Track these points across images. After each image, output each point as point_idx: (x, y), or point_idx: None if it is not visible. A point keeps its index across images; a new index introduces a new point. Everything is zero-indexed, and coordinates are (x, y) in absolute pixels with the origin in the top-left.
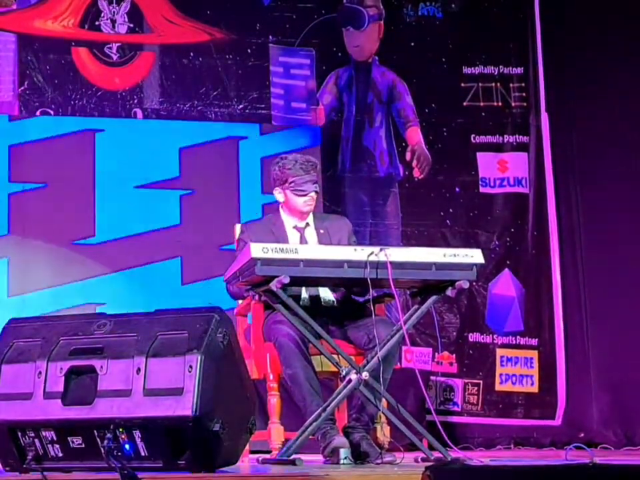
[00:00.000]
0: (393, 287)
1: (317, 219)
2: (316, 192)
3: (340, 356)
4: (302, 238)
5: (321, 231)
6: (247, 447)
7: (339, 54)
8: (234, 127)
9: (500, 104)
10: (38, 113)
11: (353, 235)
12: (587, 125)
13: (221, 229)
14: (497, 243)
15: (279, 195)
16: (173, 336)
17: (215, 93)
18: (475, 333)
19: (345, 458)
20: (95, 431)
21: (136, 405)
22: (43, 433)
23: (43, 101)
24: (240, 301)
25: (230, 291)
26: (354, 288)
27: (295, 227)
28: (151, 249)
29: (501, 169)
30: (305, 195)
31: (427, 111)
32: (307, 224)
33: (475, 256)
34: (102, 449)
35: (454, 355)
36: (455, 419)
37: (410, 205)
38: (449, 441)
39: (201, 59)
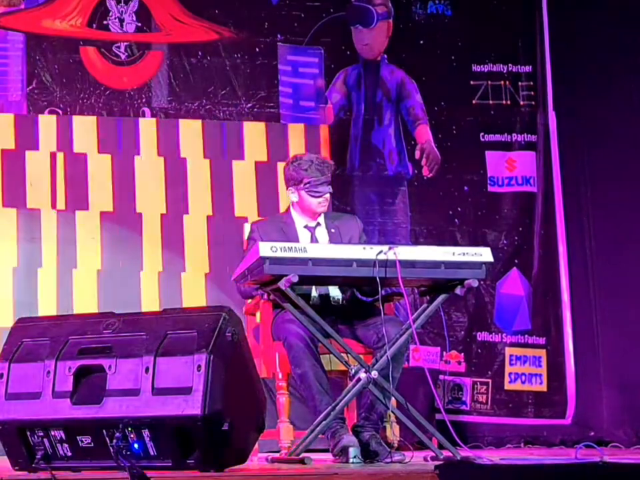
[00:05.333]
0: (402, 285)
1: (327, 218)
2: (330, 193)
3: (349, 355)
4: (313, 237)
5: (332, 230)
6: (256, 445)
7: (348, 52)
8: None
9: (509, 102)
10: (46, 112)
11: (364, 234)
12: (595, 124)
13: None
14: (505, 242)
15: (292, 194)
16: (182, 335)
17: (223, 92)
18: (483, 332)
19: (355, 457)
20: (104, 430)
21: (145, 404)
22: (52, 432)
23: (51, 100)
24: (249, 300)
25: (239, 290)
26: (363, 287)
27: (306, 227)
28: None
29: (509, 168)
30: (320, 197)
31: (436, 109)
32: (318, 223)
33: (484, 254)
34: (111, 448)
35: (462, 354)
36: (464, 417)
37: (419, 203)
38: (458, 440)
39: (209, 57)
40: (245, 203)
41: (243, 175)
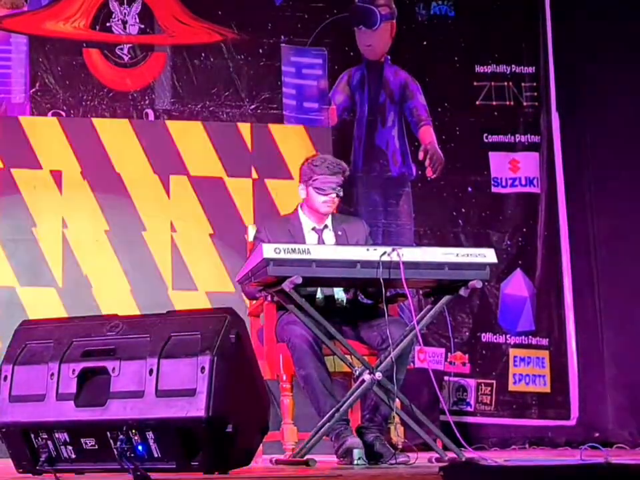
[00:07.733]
0: (405, 287)
1: (335, 221)
2: (338, 195)
3: (353, 356)
4: (320, 239)
5: (339, 233)
6: (260, 447)
7: (351, 53)
8: None
9: (512, 103)
10: (49, 114)
11: (370, 238)
12: (598, 124)
13: None
14: (508, 242)
15: (302, 191)
16: (186, 337)
17: (226, 94)
18: (487, 333)
19: (359, 458)
20: (108, 433)
21: (149, 406)
22: (56, 435)
23: (54, 102)
24: (253, 302)
25: (244, 291)
26: (367, 289)
27: (314, 229)
28: None
29: (513, 169)
30: (326, 195)
31: (439, 110)
32: (325, 225)
33: (487, 255)
34: (115, 451)
35: (467, 355)
36: (468, 419)
37: (422, 204)
38: (463, 441)
39: (212, 59)
40: None
41: None
